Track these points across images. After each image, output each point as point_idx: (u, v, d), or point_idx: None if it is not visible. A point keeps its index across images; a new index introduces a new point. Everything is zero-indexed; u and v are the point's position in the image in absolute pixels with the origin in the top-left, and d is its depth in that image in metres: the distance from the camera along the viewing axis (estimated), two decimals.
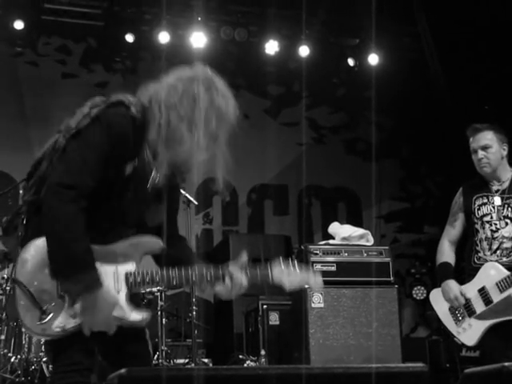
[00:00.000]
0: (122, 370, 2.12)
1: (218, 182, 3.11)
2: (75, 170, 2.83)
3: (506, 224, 4.33)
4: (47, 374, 6.30)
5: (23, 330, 2.92)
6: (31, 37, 9.13)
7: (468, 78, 8.77)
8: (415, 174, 10.60)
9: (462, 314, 4.35)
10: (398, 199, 10.48)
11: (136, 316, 2.93)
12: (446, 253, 4.59)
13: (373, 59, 9.51)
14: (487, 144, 4.42)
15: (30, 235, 2.89)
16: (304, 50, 9.28)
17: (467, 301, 4.34)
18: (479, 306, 4.27)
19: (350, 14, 9.21)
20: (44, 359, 6.37)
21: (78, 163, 2.84)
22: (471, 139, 4.49)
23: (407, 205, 10.53)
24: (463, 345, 4.35)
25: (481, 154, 4.42)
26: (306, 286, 3.09)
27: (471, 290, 4.34)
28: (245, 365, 6.73)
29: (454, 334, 4.37)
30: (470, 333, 4.28)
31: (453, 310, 4.41)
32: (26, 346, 6.49)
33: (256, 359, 6.75)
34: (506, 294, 4.16)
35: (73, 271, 2.77)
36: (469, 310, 4.33)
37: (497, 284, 4.21)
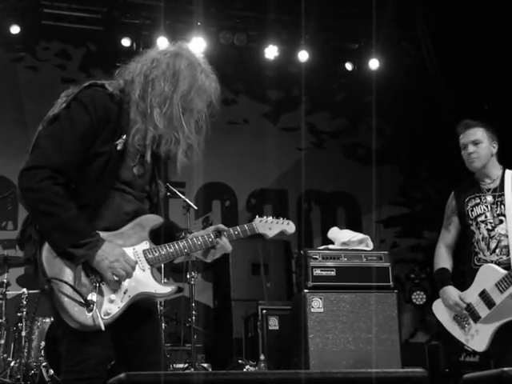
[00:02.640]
0: (122, 375, 2.11)
1: (178, 159, 3.09)
2: (49, 151, 2.91)
3: (501, 221, 4.32)
4: (47, 379, 6.31)
5: (75, 326, 2.87)
6: (31, 42, 9.15)
7: (467, 84, 8.79)
8: (415, 179, 10.61)
9: (467, 321, 4.32)
10: (397, 204, 10.48)
11: (165, 289, 3.11)
12: (443, 258, 4.58)
13: (372, 64, 9.52)
14: (477, 139, 4.43)
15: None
16: (303, 55, 9.29)
17: (470, 306, 4.31)
18: (483, 310, 4.23)
19: (350, 19, 9.23)
20: (44, 364, 6.37)
21: (52, 144, 2.91)
22: (461, 135, 4.49)
23: (407, 210, 10.54)
24: (474, 352, 4.31)
25: (471, 148, 4.43)
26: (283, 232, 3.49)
27: (472, 294, 4.31)
28: (244, 370, 6.72)
29: (464, 342, 4.33)
30: (478, 339, 4.24)
31: (457, 319, 4.38)
32: (26, 350, 6.49)
33: (255, 364, 6.75)
34: (506, 293, 4.14)
35: (73, 239, 2.85)
36: (473, 315, 4.30)
37: (496, 285, 4.19)
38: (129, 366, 3.00)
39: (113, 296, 2.95)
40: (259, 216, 3.43)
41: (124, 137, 2.98)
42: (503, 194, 4.35)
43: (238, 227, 3.33)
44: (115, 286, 2.96)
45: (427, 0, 8.42)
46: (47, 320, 6.63)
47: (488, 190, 4.43)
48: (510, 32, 8.01)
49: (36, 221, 2.90)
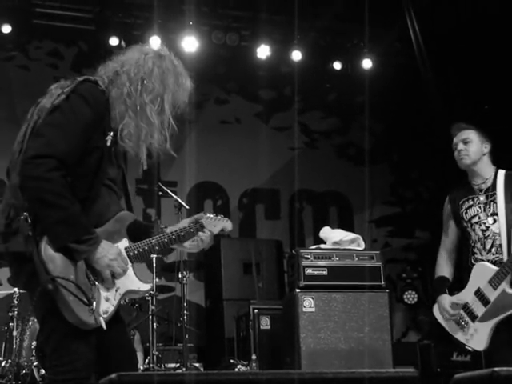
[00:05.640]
0: (113, 375, 2.11)
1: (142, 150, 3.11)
2: (54, 140, 2.86)
3: (495, 221, 4.34)
4: (38, 378, 6.29)
5: (78, 325, 2.85)
6: (22, 41, 9.12)
7: (459, 84, 8.81)
8: (406, 178, 10.63)
9: (465, 321, 4.34)
10: (389, 204, 10.50)
11: (146, 286, 3.16)
12: (441, 266, 4.61)
13: (365, 64, 9.54)
14: (468, 138, 4.49)
15: (40, 232, 2.84)
16: (296, 55, 9.30)
17: (467, 306, 4.33)
18: (479, 309, 4.26)
19: (343, 19, 9.23)
20: (35, 363, 6.35)
21: (56, 134, 2.88)
22: (455, 138, 4.56)
23: (398, 209, 10.56)
24: (475, 351, 4.33)
25: (460, 146, 4.49)
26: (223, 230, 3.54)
27: (467, 294, 4.34)
28: (236, 369, 6.72)
29: (464, 342, 4.35)
30: (477, 337, 4.26)
31: (457, 320, 4.41)
32: (17, 350, 6.48)
33: (247, 363, 6.75)
34: (499, 289, 4.16)
35: (77, 234, 2.84)
36: (471, 314, 4.31)
37: (489, 282, 4.22)
38: (103, 365, 2.98)
39: (107, 294, 2.97)
40: (203, 213, 3.49)
41: (111, 133, 3.01)
42: (495, 194, 4.37)
43: (187, 226, 3.35)
44: (109, 284, 2.98)
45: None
46: None
47: (480, 190, 4.46)
48: (503, 31, 8.03)
49: (39, 211, 2.81)
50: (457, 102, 8.62)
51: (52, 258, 2.81)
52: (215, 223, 3.46)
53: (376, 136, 10.48)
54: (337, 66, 9.76)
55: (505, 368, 2.19)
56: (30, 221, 2.83)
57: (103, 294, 2.95)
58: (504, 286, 4.16)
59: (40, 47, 9.39)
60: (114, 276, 2.97)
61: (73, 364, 2.84)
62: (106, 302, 2.95)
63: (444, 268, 4.60)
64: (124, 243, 3.10)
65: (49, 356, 2.91)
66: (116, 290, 3.01)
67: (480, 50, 8.39)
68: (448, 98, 8.58)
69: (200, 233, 3.34)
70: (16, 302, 6.64)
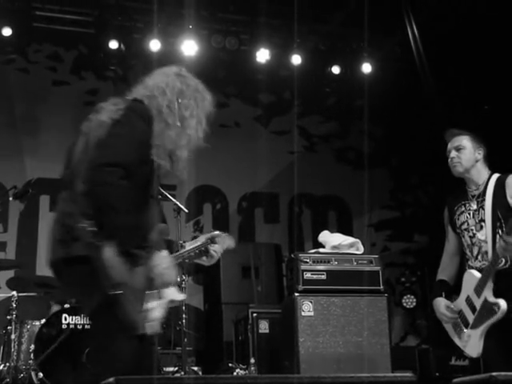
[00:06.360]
0: (111, 379, 2.11)
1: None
2: (120, 150, 2.99)
3: (482, 227, 4.34)
4: (36, 382, 6.28)
5: (136, 331, 2.98)
6: (22, 44, 9.12)
7: (459, 88, 8.82)
8: (405, 183, 10.62)
9: (461, 328, 4.36)
10: (388, 208, 10.50)
11: (181, 296, 3.35)
12: (442, 269, 4.63)
13: (364, 68, 9.55)
14: (460, 145, 4.49)
15: (101, 239, 2.94)
16: (296, 59, 9.31)
17: (461, 313, 4.35)
18: (470, 316, 4.28)
19: (342, 23, 9.24)
20: (33, 367, 6.35)
21: (121, 144, 3.01)
22: (448, 144, 4.57)
23: (397, 214, 10.55)
24: (472, 358, 4.33)
25: (453, 153, 4.49)
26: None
27: (461, 301, 4.36)
28: (234, 373, 6.72)
29: (462, 348, 4.37)
30: (471, 344, 4.26)
31: (454, 326, 4.42)
32: (15, 353, 6.47)
33: (246, 367, 6.74)
34: (482, 297, 4.19)
35: (139, 240, 3.02)
36: (464, 321, 4.33)
37: (474, 290, 4.24)
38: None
39: (157, 302, 3.13)
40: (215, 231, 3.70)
41: (154, 150, 3.16)
42: (485, 200, 4.37)
43: (195, 245, 3.57)
44: (157, 293, 3.13)
45: (418, 3, 8.43)
46: (37, 323, 6.62)
47: (473, 196, 4.46)
48: (500, 34, 8.05)
49: (107, 216, 2.91)
50: (457, 106, 8.63)
51: (114, 263, 2.89)
52: (224, 240, 3.65)
53: (375, 140, 10.48)
54: (336, 70, 9.76)
55: (503, 373, 2.19)
56: (91, 228, 2.92)
57: (153, 301, 3.10)
58: (486, 293, 4.17)
59: (40, 50, 9.38)
60: (164, 284, 3.13)
61: (113, 364, 2.94)
62: (155, 310, 3.10)
63: (444, 271, 4.61)
64: (164, 253, 3.22)
65: (92, 353, 3.04)
66: (163, 299, 3.18)
67: (480, 54, 8.40)
68: (448, 103, 8.59)
69: (212, 250, 3.58)
70: (14, 305, 6.63)
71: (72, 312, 6.52)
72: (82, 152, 3.06)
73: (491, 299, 4.13)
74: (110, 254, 2.87)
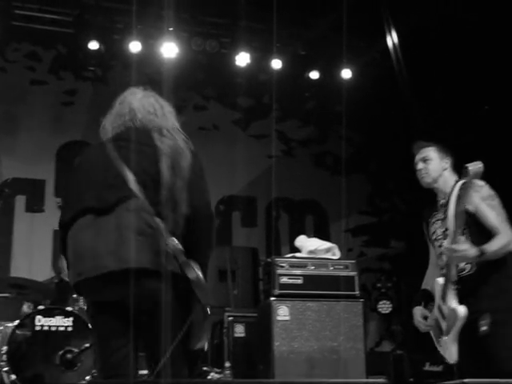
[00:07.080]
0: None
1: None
2: (207, 193, 3.46)
3: (446, 236, 4.35)
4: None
5: (198, 347, 3.44)
6: (0, 42, 9.03)
7: (438, 95, 8.88)
8: (383, 189, 10.66)
9: (438, 335, 4.38)
10: (365, 213, 10.53)
11: None
12: (426, 278, 4.66)
13: (344, 74, 9.58)
14: (427, 156, 4.52)
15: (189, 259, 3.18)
16: (276, 63, 9.32)
17: (437, 321, 4.37)
18: (443, 323, 4.30)
19: (322, 28, 9.26)
20: (5, 368, 6.28)
21: (206, 188, 3.51)
22: (416, 157, 4.60)
23: (374, 219, 10.59)
24: (447, 364, 4.36)
25: (420, 165, 4.53)
26: None
27: (435, 310, 4.39)
28: (209, 377, 6.69)
29: (443, 354, 4.39)
30: (448, 350, 4.28)
31: (435, 333, 4.45)
32: None
33: (220, 371, 6.72)
34: (447, 304, 4.21)
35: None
36: (440, 329, 4.36)
37: (441, 297, 4.27)
38: None
39: None
40: None
41: None
42: (448, 208, 4.37)
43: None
44: None
45: (397, 8, 8.47)
46: (10, 324, 6.54)
47: (441, 205, 4.47)
48: (481, 40, 8.11)
49: (205, 248, 3.30)
50: (435, 112, 8.68)
51: (201, 283, 3.09)
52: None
53: (353, 146, 10.52)
54: (315, 75, 9.79)
55: (474, 380, 2.21)
56: (180, 247, 3.10)
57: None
58: (449, 300, 4.19)
59: (18, 49, 9.30)
60: None
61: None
62: None
63: (427, 281, 4.64)
64: None
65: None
66: None
67: (458, 61, 8.46)
68: (425, 110, 8.64)
69: None
70: None
71: (46, 314, 6.45)
72: (172, 175, 3.31)
73: (453, 305, 4.16)
74: (199, 273, 3.09)
